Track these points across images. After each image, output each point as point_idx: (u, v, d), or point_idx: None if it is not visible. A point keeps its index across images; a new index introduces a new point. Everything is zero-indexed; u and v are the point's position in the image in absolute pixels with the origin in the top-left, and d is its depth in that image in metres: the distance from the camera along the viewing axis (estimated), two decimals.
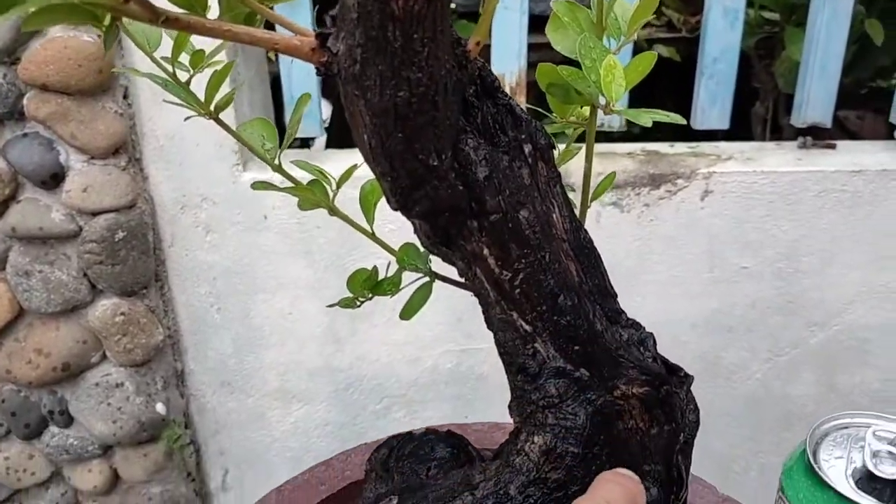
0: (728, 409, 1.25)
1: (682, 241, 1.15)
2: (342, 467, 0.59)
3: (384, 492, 0.42)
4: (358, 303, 0.45)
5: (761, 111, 1.41)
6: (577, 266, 0.40)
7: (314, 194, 0.43)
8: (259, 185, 0.42)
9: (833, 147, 1.16)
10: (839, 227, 1.13)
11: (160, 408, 1.18)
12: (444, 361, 1.24)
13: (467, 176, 0.37)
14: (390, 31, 0.31)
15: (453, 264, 0.42)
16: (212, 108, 0.40)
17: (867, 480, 0.37)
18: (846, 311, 1.19)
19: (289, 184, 0.43)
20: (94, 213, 1.06)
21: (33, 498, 1.25)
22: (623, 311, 0.43)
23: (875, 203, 1.11)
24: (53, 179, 1.04)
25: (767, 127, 1.41)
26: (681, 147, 1.18)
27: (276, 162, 0.43)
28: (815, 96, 1.10)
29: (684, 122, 0.41)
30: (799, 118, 1.12)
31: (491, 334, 0.41)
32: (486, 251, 0.39)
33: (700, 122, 1.12)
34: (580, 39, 0.40)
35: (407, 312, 0.42)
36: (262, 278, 1.18)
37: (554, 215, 0.40)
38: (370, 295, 0.44)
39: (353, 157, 1.17)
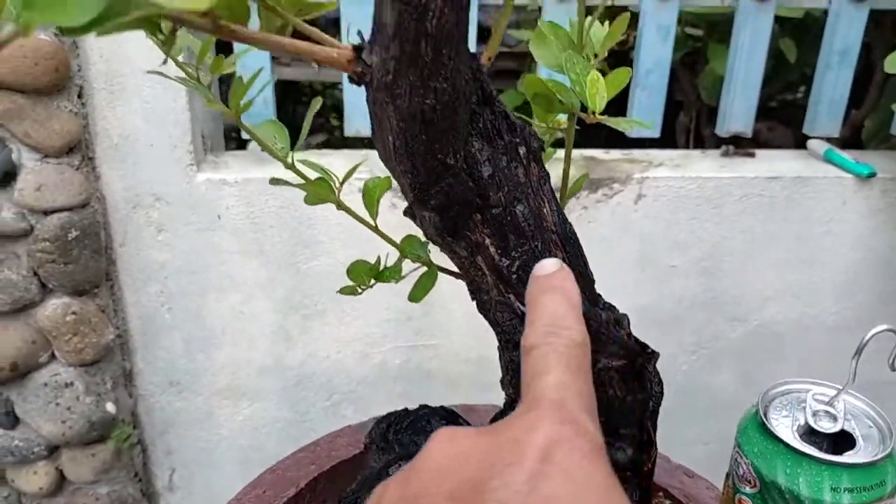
0: None
1: (617, 241, 1.23)
2: (329, 447, 0.62)
3: (391, 459, 0.46)
4: (360, 290, 0.49)
5: (685, 121, 1.51)
6: (563, 254, 0.46)
7: (322, 189, 0.47)
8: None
9: (752, 155, 1.26)
10: (757, 229, 1.23)
11: (110, 407, 1.18)
12: (392, 358, 1.28)
13: (474, 174, 0.42)
14: (423, 46, 0.36)
15: (454, 254, 0.46)
16: (237, 108, 0.44)
17: (809, 434, 0.44)
18: (763, 307, 1.29)
19: (299, 180, 0.47)
20: (47, 212, 1.06)
21: None
22: (600, 295, 0.49)
23: (790, 208, 1.22)
24: (5, 178, 1.03)
25: (691, 137, 1.52)
26: (616, 153, 1.26)
27: (290, 160, 0.47)
28: (738, 108, 1.20)
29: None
30: (722, 128, 1.22)
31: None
32: (487, 241, 0.44)
33: (634, 130, 1.20)
34: (565, 56, 0.46)
35: (415, 295, 0.46)
36: (214, 278, 1.20)
37: (545, 209, 0.45)
38: (373, 283, 0.49)
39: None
